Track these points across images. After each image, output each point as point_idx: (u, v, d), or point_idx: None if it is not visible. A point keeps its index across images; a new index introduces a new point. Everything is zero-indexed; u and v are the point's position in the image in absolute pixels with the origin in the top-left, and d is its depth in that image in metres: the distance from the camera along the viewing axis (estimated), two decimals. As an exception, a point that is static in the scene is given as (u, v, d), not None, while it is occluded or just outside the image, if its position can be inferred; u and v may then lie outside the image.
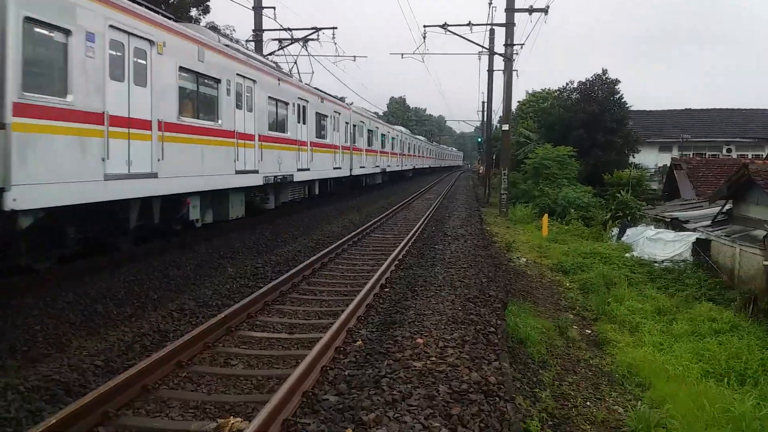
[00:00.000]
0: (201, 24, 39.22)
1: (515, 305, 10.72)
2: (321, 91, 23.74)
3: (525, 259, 17.39)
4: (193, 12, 39.36)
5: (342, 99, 32.71)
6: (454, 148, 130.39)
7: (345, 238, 14.74)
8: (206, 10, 40.20)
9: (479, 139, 66.33)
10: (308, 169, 20.52)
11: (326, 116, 23.58)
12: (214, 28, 40.29)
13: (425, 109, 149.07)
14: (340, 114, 25.98)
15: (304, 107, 20.26)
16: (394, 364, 6.02)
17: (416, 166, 57.32)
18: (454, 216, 22.20)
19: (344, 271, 11.52)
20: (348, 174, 27.76)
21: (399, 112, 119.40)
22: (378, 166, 35.94)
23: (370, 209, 23.74)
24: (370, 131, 33.35)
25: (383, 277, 10.64)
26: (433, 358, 6.15)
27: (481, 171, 60.63)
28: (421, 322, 7.57)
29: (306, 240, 14.89)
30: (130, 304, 8.58)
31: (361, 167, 30.59)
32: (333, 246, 13.44)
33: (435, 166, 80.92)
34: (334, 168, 24.99)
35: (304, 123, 20.29)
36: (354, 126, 28.99)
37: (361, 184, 33.77)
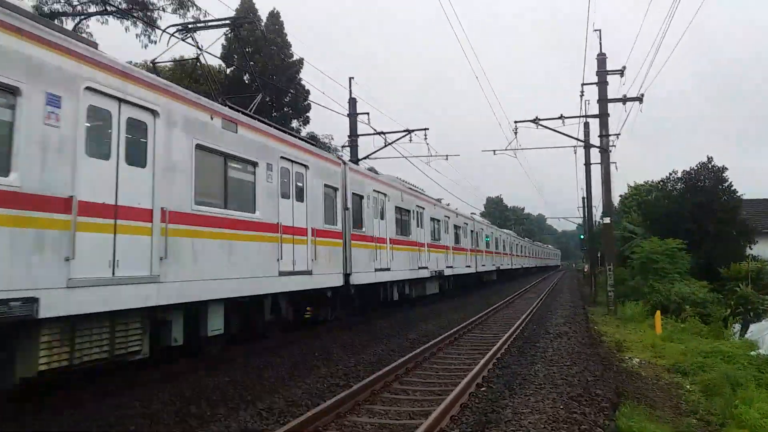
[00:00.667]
0: (302, 133, 41.61)
1: (628, 407, 9.84)
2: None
3: (638, 360, 16.16)
4: (294, 123, 41.85)
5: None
6: (549, 246, 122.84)
7: (441, 337, 14.32)
8: (306, 121, 42.71)
9: (582, 236, 64.52)
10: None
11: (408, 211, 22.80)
12: (313, 137, 42.61)
13: (523, 208, 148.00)
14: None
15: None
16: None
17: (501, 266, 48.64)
18: (557, 314, 21.26)
19: (439, 371, 11.06)
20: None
21: (496, 212, 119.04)
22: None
23: (468, 310, 23.15)
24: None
25: (479, 375, 10.13)
26: (532, 460, 5.60)
27: (585, 269, 58.50)
28: (519, 422, 7.02)
29: (401, 339, 14.58)
30: (224, 405, 8.53)
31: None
32: (428, 345, 13.06)
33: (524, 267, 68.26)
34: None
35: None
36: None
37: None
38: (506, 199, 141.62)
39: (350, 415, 7.97)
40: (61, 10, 30.12)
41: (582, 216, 60.42)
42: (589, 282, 45.42)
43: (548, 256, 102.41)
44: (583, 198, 50.57)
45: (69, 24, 29.75)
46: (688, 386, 13.99)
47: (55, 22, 30.21)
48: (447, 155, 33.77)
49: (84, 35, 30.51)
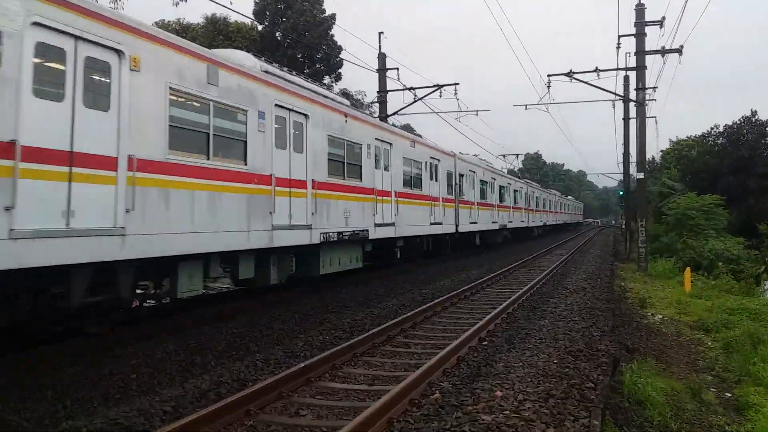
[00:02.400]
0: (333, 90, 41.44)
1: (638, 363, 9.71)
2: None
3: (660, 316, 15.89)
4: (326, 80, 41.63)
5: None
6: (570, 197, 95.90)
7: (456, 292, 14.31)
8: (338, 78, 42.45)
9: (620, 192, 63.23)
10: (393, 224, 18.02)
11: (419, 163, 20.89)
12: (345, 94, 42.36)
13: (563, 165, 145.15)
14: (439, 161, 23.10)
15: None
16: (462, 417, 5.53)
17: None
18: (580, 270, 20.98)
19: (447, 325, 11.08)
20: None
21: (534, 168, 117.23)
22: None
23: (493, 265, 23.04)
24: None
25: (485, 329, 10.11)
26: (507, 412, 5.58)
27: (623, 225, 57.46)
28: (507, 375, 6.99)
29: (415, 294, 14.61)
30: (229, 356, 8.70)
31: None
32: (441, 299, 13.06)
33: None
34: (431, 224, 21.82)
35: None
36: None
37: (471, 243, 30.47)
38: (546, 156, 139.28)
39: (346, 367, 8.06)
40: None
41: (621, 172, 59.19)
42: (624, 238, 44.66)
43: (561, 209, 71.33)
44: (622, 153, 49.41)
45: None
46: (709, 343, 13.72)
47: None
48: (477, 111, 33.28)
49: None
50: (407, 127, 42.84)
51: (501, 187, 35.47)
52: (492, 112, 60.80)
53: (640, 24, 25.77)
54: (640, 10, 25.80)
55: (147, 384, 7.22)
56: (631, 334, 11.95)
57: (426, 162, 21.51)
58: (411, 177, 19.85)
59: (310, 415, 6.26)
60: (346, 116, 14.94)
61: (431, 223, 21.71)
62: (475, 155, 33.95)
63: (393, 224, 17.68)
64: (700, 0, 22.97)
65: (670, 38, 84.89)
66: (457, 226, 25.31)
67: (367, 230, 15.82)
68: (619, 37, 28.63)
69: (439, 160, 23.18)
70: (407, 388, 6.50)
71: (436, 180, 22.71)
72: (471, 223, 27.84)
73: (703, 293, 19.41)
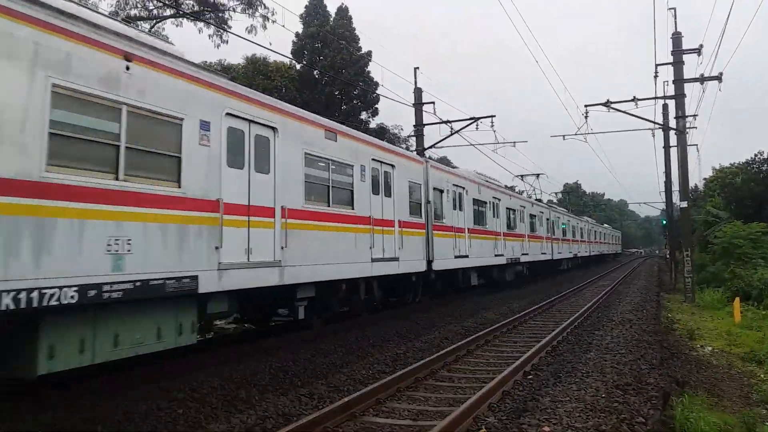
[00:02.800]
0: (370, 126, 41.89)
1: (689, 397, 9.43)
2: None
3: (710, 348, 15.42)
4: (363, 115, 42.18)
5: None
6: (606, 225, 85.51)
7: (498, 324, 14.17)
8: (375, 113, 42.96)
9: (663, 221, 62.02)
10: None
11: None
12: (382, 128, 42.79)
13: (603, 194, 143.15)
14: (393, 167, 15.83)
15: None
16: (510, 453, 5.46)
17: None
18: (625, 302, 20.57)
19: (490, 359, 10.96)
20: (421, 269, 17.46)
21: (573, 198, 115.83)
22: (501, 255, 26.21)
23: (534, 297, 22.74)
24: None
25: (529, 363, 9.97)
26: (556, 448, 5.49)
27: (667, 255, 56.23)
28: (554, 410, 6.87)
29: (457, 327, 14.51)
30: (273, 390, 8.76)
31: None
32: (483, 332, 12.94)
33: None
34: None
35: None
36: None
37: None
38: (585, 185, 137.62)
39: (390, 401, 8.02)
40: (138, 15, 31.45)
41: (663, 201, 58.18)
42: (669, 268, 43.65)
43: (595, 238, 62.37)
44: (664, 182, 48.61)
45: (145, 26, 31.10)
46: (762, 375, 13.24)
47: (132, 26, 31.72)
48: (515, 142, 33.23)
49: (161, 38, 31.92)
50: (444, 160, 42.96)
51: (510, 210, 28.83)
52: (530, 143, 60.44)
53: (678, 52, 25.59)
54: (676, 38, 25.65)
55: (194, 419, 7.29)
56: (680, 366, 11.62)
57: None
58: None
59: (356, 451, 6.25)
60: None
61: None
62: (479, 173, 26.96)
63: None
64: (738, 27, 22.75)
65: (709, 65, 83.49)
66: (429, 262, 17.62)
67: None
68: (657, 65, 28.44)
69: (393, 166, 15.88)
70: (453, 423, 6.45)
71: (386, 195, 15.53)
72: (458, 257, 20.05)
73: (753, 324, 18.78)
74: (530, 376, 9.32)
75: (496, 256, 25.11)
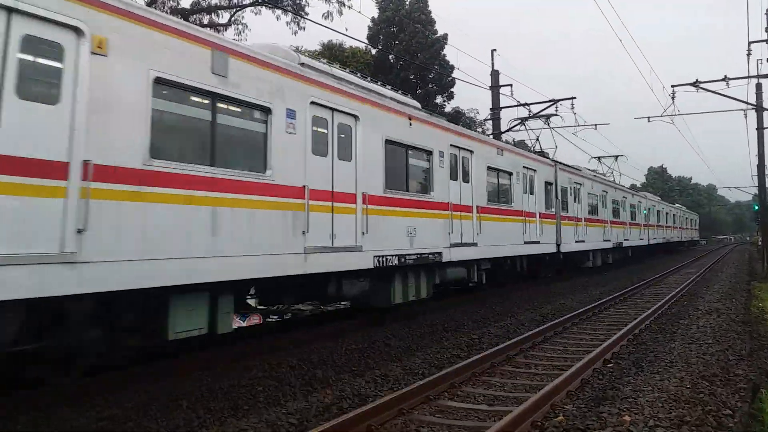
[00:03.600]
0: (446, 110, 41.55)
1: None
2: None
3: (806, 340, 14.58)
4: (439, 99, 41.88)
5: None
6: (679, 205, 67.50)
7: (576, 312, 13.84)
8: (450, 97, 42.55)
9: (755, 207, 58.77)
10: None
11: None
12: (458, 112, 42.39)
13: (690, 178, 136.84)
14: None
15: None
16: (588, 442, 5.34)
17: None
18: (713, 290, 19.65)
19: (567, 346, 10.72)
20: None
21: (658, 182, 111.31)
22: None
23: (613, 285, 22.09)
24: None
25: (609, 351, 9.70)
26: (637, 438, 5.32)
27: (759, 242, 53.26)
28: (635, 399, 6.67)
29: (534, 314, 14.27)
30: (349, 371, 8.90)
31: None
32: (561, 319, 12.68)
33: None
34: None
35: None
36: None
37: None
38: (671, 170, 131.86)
39: (465, 386, 8.00)
40: (219, 4, 32.26)
41: (756, 185, 55.08)
42: (761, 256, 41.34)
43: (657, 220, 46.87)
44: (757, 165, 46.00)
45: (225, 16, 31.91)
46: None
47: (212, 15, 32.49)
48: (596, 124, 32.25)
49: (240, 26, 32.66)
50: (521, 144, 42.24)
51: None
52: (612, 125, 58.33)
53: (773, 28, 24.06)
54: (773, 12, 24.10)
55: (273, 396, 7.50)
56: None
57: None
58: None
59: (430, 433, 6.27)
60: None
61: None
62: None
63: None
64: None
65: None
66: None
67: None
68: (750, 43, 26.82)
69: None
70: (529, 409, 6.36)
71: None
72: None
73: None
74: (610, 365, 9.08)
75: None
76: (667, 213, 52.19)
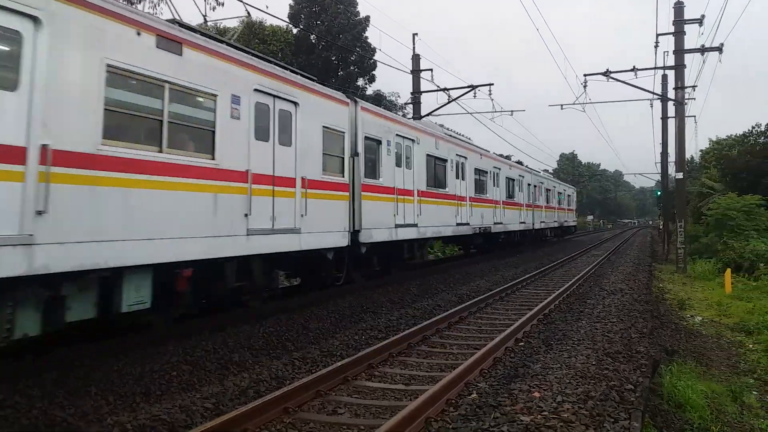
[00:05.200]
0: (367, 92, 41.51)
1: (678, 365, 9.56)
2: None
3: (700, 318, 15.58)
4: (360, 82, 41.75)
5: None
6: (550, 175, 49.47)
7: (491, 293, 14.26)
8: (372, 79, 42.52)
9: (657, 192, 62.22)
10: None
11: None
12: (379, 95, 42.41)
13: (599, 165, 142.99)
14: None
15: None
16: (500, 417, 5.53)
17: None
18: (618, 271, 20.70)
19: (482, 326, 11.05)
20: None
21: (569, 168, 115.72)
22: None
23: (527, 266, 22.88)
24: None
25: (521, 330, 10.06)
26: (545, 413, 5.56)
27: (660, 226, 56.49)
28: (545, 376, 6.96)
29: (450, 295, 14.60)
30: (267, 354, 8.82)
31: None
32: (475, 300, 13.03)
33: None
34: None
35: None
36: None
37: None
38: (581, 156, 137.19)
39: (382, 366, 8.10)
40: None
41: (659, 172, 58.25)
42: (662, 239, 43.89)
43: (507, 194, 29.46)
44: (660, 153, 48.60)
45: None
46: (750, 345, 13.41)
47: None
48: (512, 111, 33.09)
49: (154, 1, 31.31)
50: (442, 128, 42.75)
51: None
52: (527, 112, 60.32)
53: (679, 22, 25.34)
54: (678, 8, 25.38)
55: (187, 381, 7.35)
56: (670, 336, 11.78)
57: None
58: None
59: (347, 414, 6.32)
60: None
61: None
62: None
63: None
64: (740, -4, 22.49)
65: (710, 35, 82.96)
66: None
67: None
68: (658, 35, 28.35)
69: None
70: (444, 388, 6.51)
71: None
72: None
73: (744, 295, 18.96)
74: (522, 343, 9.41)
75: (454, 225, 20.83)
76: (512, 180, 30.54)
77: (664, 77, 34.60)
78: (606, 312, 11.64)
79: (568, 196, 48.80)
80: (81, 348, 8.34)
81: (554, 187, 41.86)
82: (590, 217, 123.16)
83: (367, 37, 41.75)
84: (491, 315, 12.20)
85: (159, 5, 30.99)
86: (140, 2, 30.29)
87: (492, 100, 30.31)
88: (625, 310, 11.90)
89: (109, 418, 5.97)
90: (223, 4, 32.27)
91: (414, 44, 30.18)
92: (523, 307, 12.83)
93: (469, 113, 32.50)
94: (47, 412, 6.05)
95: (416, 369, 8.08)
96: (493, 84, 29.51)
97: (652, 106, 40.84)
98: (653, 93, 31.58)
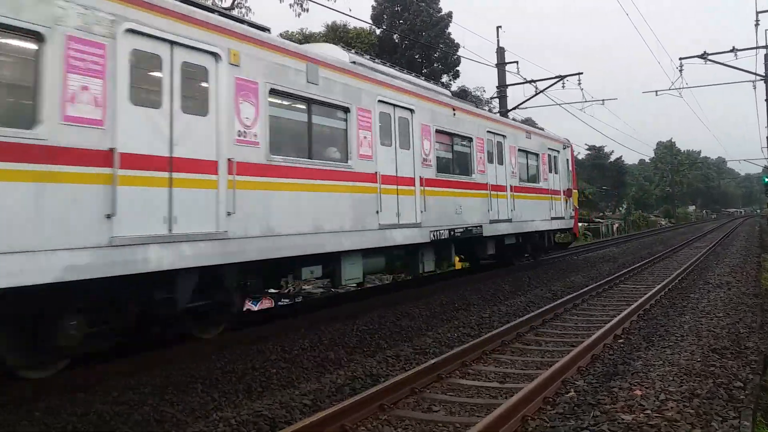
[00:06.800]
0: (451, 88, 41.30)
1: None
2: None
3: (819, 312, 14.56)
4: (444, 78, 41.63)
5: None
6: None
7: (586, 288, 13.86)
8: (456, 75, 42.32)
9: (765, 179, 58.35)
10: None
11: None
12: (464, 91, 42.14)
13: (699, 152, 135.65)
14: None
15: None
16: (600, 416, 5.38)
17: None
18: (723, 263, 19.61)
19: (578, 322, 10.76)
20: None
21: (667, 156, 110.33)
22: None
23: (625, 260, 22.08)
24: None
25: (620, 327, 9.72)
26: (648, 412, 5.35)
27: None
28: (646, 374, 6.70)
29: (543, 291, 14.30)
30: (361, 352, 8.97)
31: None
32: (570, 296, 12.71)
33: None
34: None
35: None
36: None
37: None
38: (680, 144, 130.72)
39: (476, 364, 8.05)
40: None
41: (766, 157, 54.72)
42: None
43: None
44: (767, 137, 45.60)
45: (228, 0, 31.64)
46: None
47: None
48: (603, 100, 32.05)
49: (243, 9, 32.38)
50: (529, 121, 41.91)
51: None
52: (619, 101, 58.13)
53: (784, -5, 23.71)
54: (783, -21, 23.75)
55: (286, 378, 7.58)
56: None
57: None
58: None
59: (442, 411, 6.32)
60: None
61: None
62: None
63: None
64: None
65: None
66: None
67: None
68: (758, 13, 26.55)
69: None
70: (541, 385, 6.40)
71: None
72: None
73: None
74: (621, 340, 9.10)
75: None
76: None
77: (767, 57, 32.47)
78: (711, 306, 11.07)
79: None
80: (186, 347, 8.80)
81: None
82: (692, 208, 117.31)
83: (449, 33, 41.62)
84: (587, 311, 11.87)
85: (246, 16, 32.16)
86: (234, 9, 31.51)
87: (582, 89, 29.52)
88: (732, 304, 11.27)
89: (215, 414, 6.24)
90: (308, 10, 33.09)
91: (498, 37, 29.81)
92: (622, 303, 12.40)
93: (558, 104, 31.74)
94: (158, 408, 6.40)
95: (511, 366, 7.98)
96: (582, 73, 28.73)
97: (755, 88, 38.30)
98: (755, 74, 29.76)
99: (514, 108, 29.16)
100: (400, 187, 12.05)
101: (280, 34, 36.86)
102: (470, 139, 15.10)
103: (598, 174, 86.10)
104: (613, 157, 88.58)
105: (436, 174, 13.29)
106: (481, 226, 15.01)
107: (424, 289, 13.94)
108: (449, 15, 41.54)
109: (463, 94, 40.39)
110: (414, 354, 8.56)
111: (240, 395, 6.92)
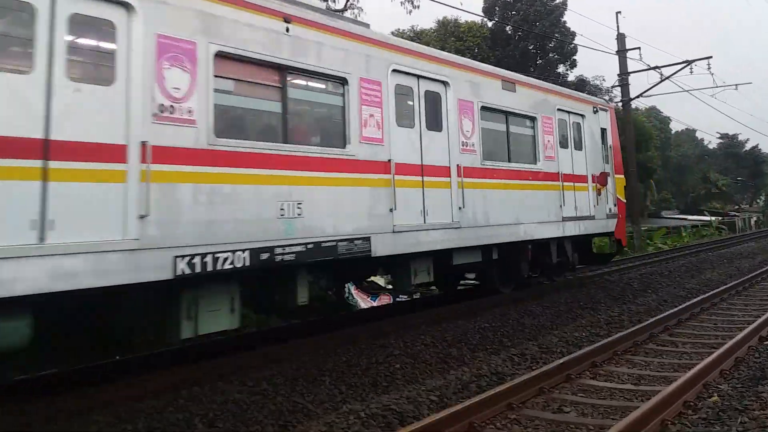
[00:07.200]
0: (568, 78, 40.00)
1: None
2: None
3: None
4: (561, 68, 40.39)
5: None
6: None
7: (725, 287, 12.96)
8: (573, 65, 40.92)
9: None
10: None
11: None
12: (582, 80, 40.67)
13: None
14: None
15: None
16: (748, 422, 5.00)
17: None
18: None
19: (717, 323, 10.08)
20: None
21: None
22: None
23: (766, 256, 20.47)
24: None
25: (765, 327, 9.00)
26: (807, 421, 4.92)
27: None
28: (801, 379, 6.16)
29: (676, 289, 13.52)
30: (484, 349, 8.88)
31: None
32: (707, 295, 11.93)
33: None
34: None
35: None
36: None
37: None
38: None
39: (607, 365, 7.74)
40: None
41: None
42: None
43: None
44: None
45: (340, 1, 32.32)
46: None
47: (328, 1, 33.13)
48: (737, 84, 29.88)
49: (356, 9, 32.95)
50: (654, 110, 39.83)
51: None
52: (755, 85, 53.89)
53: None
54: None
55: (410, 374, 7.64)
56: None
57: None
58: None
59: (573, 413, 6.12)
60: None
61: None
62: None
63: None
64: None
65: None
66: None
67: None
68: None
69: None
70: (680, 389, 6.04)
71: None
72: None
73: None
74: (767, 342, 8.43)
75: None
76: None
77: None
78: None
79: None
80: (313, 340, 9.08)
81: None
82: None
83: (565, 22, 40.34)
84: (727, 311, 11.09)
85: (359, 16, 32.72)
86: (342, 14, 32.23)
87: (712, 74, 27.63)
88: None
89: (344, 406, 6.39)
90: (418, 7, 33.20)
91: (618, 23, 28.55)
92: (766, 302, 11.49)
93: (685, 91, 29.91)
94: (291, 399, 6.65)
95: (645, 368, 7.60)
96: (711, 57, 26.87)
97: None
98: None
99: (638, 96, 27.84)
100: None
101: (393, 32, 37.16)
102: None
103: (732, 163, 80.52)
104: (748, 146, 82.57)
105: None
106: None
107: (547, 288, 13.56)
108: (564, 3, 40.23)
109: (580, 84, 39.02)
110: (540, 353, 8.38)
111: (366, 389, 7.05)
